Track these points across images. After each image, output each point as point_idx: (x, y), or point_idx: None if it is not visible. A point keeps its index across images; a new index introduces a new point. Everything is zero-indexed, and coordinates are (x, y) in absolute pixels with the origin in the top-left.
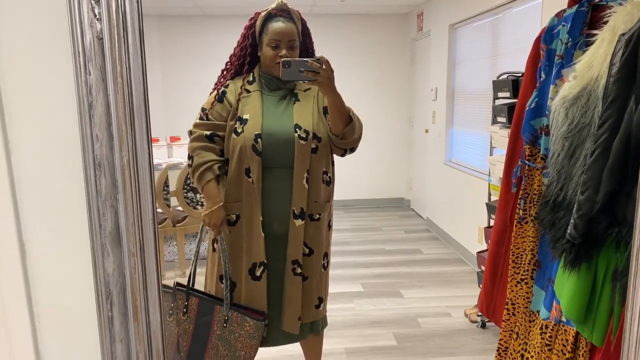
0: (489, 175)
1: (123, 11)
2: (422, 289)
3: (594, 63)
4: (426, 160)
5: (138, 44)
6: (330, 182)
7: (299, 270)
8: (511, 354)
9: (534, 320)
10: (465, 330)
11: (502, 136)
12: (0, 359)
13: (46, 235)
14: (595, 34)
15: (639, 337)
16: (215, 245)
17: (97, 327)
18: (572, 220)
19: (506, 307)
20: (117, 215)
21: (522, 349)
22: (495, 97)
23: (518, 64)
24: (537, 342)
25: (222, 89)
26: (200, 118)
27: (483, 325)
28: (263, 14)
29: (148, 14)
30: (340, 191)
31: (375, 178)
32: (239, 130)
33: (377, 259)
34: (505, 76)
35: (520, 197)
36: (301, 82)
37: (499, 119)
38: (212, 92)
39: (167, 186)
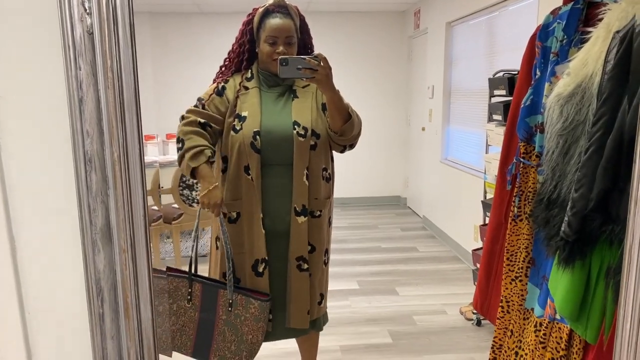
0: (485, 173)
1: (113, 5)
2: (418, 287)
3: (589, 60)
4: (423, 158)
5: (129, 38)
6: (330, 179)
7: (305, 266)
8: (505, 351)
9: (528, 318)
10: (460, 328)
11: (497, 134)
12: None
13: (36, 232)
14: (590, 32)
15: (632, 334)
16: (217, 242)
17: (88, 324)
18: (566, 218)
19: (501, 304)
20: (107, 212)
21: (516, 346)
22: (491, 95)
23: (514, 61)
24: (531, 340)
25: (222, 83)
26: (195, 106)
27: (478, 323)
28: (260, 10)
29: (139, 11)
30: (337, 189)
31: (371, 176)
32: (238, 128)
33: (373, 257)
34: (501, 74)
35: (515, 194)
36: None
37: (495, 116)
38: (211, 85)
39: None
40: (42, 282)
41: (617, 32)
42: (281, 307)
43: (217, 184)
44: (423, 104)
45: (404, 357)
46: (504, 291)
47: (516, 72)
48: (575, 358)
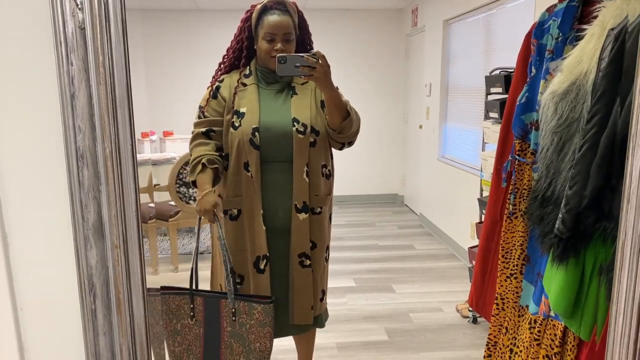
0: (481, 171)
1: (105, 0)
2: (415, 284)
3: (584, 58)
4: (420, 156)
5: (121, 34)
6: (330, 176)
7: (307, 263)
8: (500, 348)
9: (523, 315)
10: (456, 325)
11: (494, 132)
12: None
13: (29, 228)
14: (585, 29)
15: (624, 330)
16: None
17: (80, 320)
18: (560, 215)
19: (495, 301)
20: (100, 207)
21: (511, 343)
22: (488, 93)
23: (511, 59)
24: (525, 337)
25: (216, 84)
26: (198, 117)
27: (474, 321)
28: (259, 6)
29: (131, 7)
30: (335, 187)
31: (369, 174)
32: (237, 124)
33: (370, 255)
34: (497, 72)
35: (510, 192)
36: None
37: (491, 114)
38: (208, 88)
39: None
40: (35, 278)
41: (612, 29)
42: (284, 304)
43: (209, 190)
44: (420, 101)
45: (401, 355)
46: (499, 288)
47: (513, 70)
48: (569, 355)
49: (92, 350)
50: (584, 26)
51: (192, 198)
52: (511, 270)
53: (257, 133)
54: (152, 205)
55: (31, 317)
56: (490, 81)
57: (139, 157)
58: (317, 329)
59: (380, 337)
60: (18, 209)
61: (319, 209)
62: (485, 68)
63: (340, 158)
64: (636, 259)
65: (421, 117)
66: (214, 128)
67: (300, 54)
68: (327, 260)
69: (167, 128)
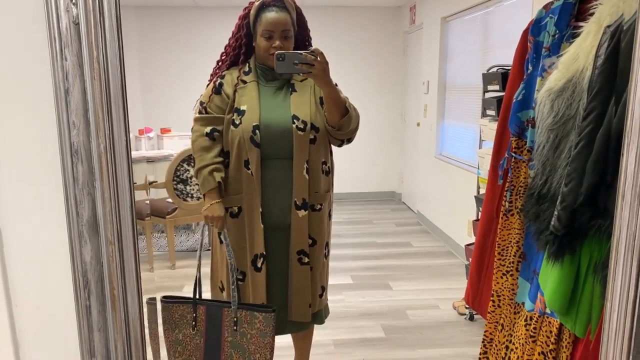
0: (478, 168)
1: None
2: (412, 282)
3: (580, 55)
4: (417, 154)
5: (115, 29)
6: (329, 172)
7: (306, 260)
8: (496, 345)
9: (518, 312)
10: (453, 323)
11: (491, 129)
12: None
13: (23, 224)
14: (582, 26)
15: (619, 327)
16: (222, 237)
17: (75, 316)
18: (555, 212)
19: (492, 298)
20: (94, 203)
21: (506, 340)
22: (485, 90)
23: (508, 57)
24: (521, 334)
25: (219, 80)
26: (200, 112)
27: (471, 318)
28: (257, 3)
29: (125, 4)
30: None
31: (367, 171)
32: (237, 122)
33: (367, 252)
34: (495, 69)
35: (506, 189)
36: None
37: (489, 112)
38: (208, 84)
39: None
40: (29, 274)
41: (608, 26)
42: (283, 302)
43: (219, 200)
44: (418, 99)
45: (397, 352)
46: (495, 285)
47: (510, 67)
48: (564, 352)
49: (87, 347)
50: (581, 23)
51: (190, 195)
52: (507, 267)
53: (257, 131)
54: (147, 202)
55: (26, 313)
56: (487, 79)
57: (137, 154)
58: (315, 326)
59: (376, 334)
60: (12, 205)
61: (318, 206)
62: (482, 65)
63: (338, 155)
64: (630, 256)
65: (419, 114)
66: (218, 127)
67: (299, 51)
68: (327, 256)
69: (164, 125)
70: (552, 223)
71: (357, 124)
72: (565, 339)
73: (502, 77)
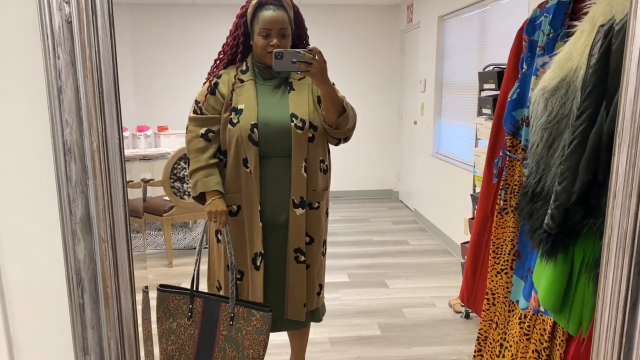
0: (474, 167)
1: None
2: (408, 280)
3: (574, 54)
4: (414, 152)
5: (107, 27)
6: (327, 170)
7: (302, 259)
8: (490, 343)
9: (513, 310)
10: (449, 321)
11: (487, 128)
12: None
13: (17, 222)
14: (576, 25)
15: (610, 325)
16: (219, 236)
17: (68, 314)
18: (549, 211)
19: (486, 297)
20: (87, 201)
21: (501, 338)
22: (481, 89)
23: (504, 56)
24: (515, 332)
25: (215, 80)
26: (194, 112)
27: (467, 316)
28: (254, 2)
29: (118, 2)
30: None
31: (364, 169)
32: (235, 121)
33: (364, 250)
34: (491, 68)
35: (501, 187)
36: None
37: (484, 110)
38: (204, 83)
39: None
40: (23, 272)
41: (602, 26)
42: (280, 299)
43: (219, 196)
44: (415, 97)
45: (393, 349)
46: (490, 283)
47: (505, 66)
48: (558, 349)
49: (81, 344)
50: (575, 22)
51: (187, 193)
52: (502, 265)
53: (255, 129)
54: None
55: (19, 311)
56: (483, 77)
57: (134, 152)
58: (311, 323)
59: (373, 332)
60: (6, 204)
61: (316, 204)
62: (479, 64)
63: (336, 153)
64: (622, 254)
65: (416, 113)
66: (213, 128)
67: (297, 50)
68: (324, 254)
69: (162, 123)
70: (546, 221)
71: (354, 123)
72: (559, 337)
73: (498, 75)
